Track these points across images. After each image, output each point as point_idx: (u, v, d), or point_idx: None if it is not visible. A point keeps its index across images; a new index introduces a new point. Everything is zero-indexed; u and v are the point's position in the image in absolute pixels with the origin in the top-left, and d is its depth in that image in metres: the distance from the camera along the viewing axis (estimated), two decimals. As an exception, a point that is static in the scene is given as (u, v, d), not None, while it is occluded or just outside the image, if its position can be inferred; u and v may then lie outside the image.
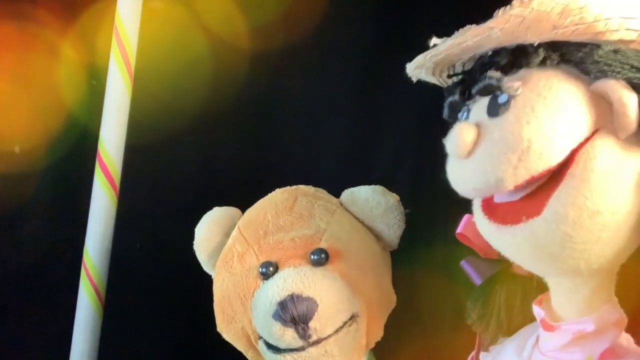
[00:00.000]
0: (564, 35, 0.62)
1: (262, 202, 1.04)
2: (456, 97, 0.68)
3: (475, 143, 0.62)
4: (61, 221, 1.40)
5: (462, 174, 0.65)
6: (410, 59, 0.72)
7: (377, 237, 1.01)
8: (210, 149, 1.42)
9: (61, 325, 1.29)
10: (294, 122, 1.39)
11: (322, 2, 1.29)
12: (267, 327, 0.90)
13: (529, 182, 0.61)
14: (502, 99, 0.62)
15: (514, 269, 0.79)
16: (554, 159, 0.60)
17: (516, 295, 0.76)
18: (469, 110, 0.67)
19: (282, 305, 0.88)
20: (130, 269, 1.35)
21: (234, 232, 1.01)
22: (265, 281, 0.93)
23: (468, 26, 0.64)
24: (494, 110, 0.62)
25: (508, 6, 0.60)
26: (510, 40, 0.64)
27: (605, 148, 0.60)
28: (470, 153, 0.63)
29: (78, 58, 1.38)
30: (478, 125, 0.63)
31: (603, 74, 0.61)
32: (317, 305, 0.88)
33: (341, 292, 0.91)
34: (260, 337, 0.94)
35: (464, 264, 0.83)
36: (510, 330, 0.76)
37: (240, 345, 0.99)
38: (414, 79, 0.73)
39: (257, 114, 1.38)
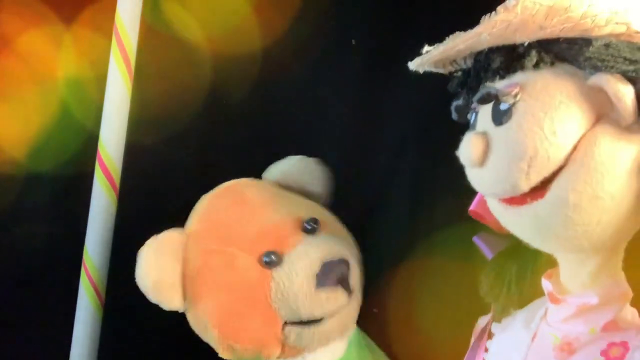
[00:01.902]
0: (553, 33, 0.63)
1: (203, 211, 1.01)
2: (461, 101, 0.71)
3: (486, 152, 0.65)
4: (61, 221, 1.40)
5: (480, 182, 0.69)
6: (411, 55, 0.73)
7: (313, 197, 1.05)
8: (210, 149, 1.42)
9: (61, 325, 1.29)
10: (294, 121, 1.38)
11: (323, 6, 1.29)
12: (309, 302, 0.92)
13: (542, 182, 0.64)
14: (503, 106, 0.65)
15: (526, 244, 0.80)
16: (562, 157, 0.62)
17: (527, 269, 0.78)
18: (476, 113, 0.70)
19: (324, 273, 0.91)
20: (130, 269, 1.35)
21: (194, 251, 0.97)
22: (278, 267, 0.93)
23: (457, 33, 0.66)
24: (498, 118, 0.65)
25: (493, 12, 0.62)
26: (501, 42, 0.65)
27: (606, 135, 0.62)
28: (482, 162, 0.66)
29: (78, 58, 1.38)
30: (486, 134, 0.66)
31: (597, 69, 0.62)
32: (350, 263, 0.94)
33: (350, 248, 0.98)
34: (287, 323, 0.94)
35: (476, 239, 0.85)
36: (521, 302, 0.78)
37: (249, 354, 0.98)
38: (421, 71, 0.75)
39: (257, 113, 1.38)
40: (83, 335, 1.26)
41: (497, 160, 0.65)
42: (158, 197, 1.39)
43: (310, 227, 0.97)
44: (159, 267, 0.96)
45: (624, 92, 0.61)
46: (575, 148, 0.62)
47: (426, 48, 0.69)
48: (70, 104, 1.38)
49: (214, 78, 1.36)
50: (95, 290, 1.27)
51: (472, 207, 0.81)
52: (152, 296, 0.97)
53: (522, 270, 0.78)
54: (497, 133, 0.65)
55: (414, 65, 0.73)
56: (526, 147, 0.62)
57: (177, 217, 1.17)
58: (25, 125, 1.36)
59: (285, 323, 0.95)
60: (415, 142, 1.25)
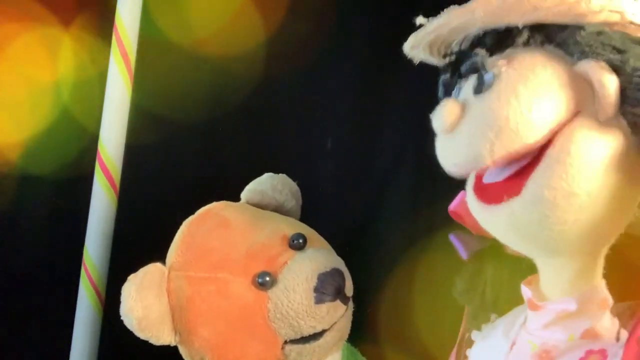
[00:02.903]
0: (546, 16, 0.62)
1: (185, 239, 0.99)
2: (448, 75, 0.70)
3: (459, 119, 0.64)
4: (61, 221, 1.40)
5: (445, 150, 0.67)
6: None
7: (289, 213, 1.05)
8: (210, 149, 1.42)
9: (61, 325, 1.29)
10: (294, 121, 1.39)
11: (323, 5, 1.29)
12: (310, 317, 0.91)
13: (508, 161, 0.62)
14: (487, 77, 0.64)
15: (504, 247, 0.79)
16: (530, 138, 0.61)
17: (503, 273, 0.77)
18: (460, 89, 0.68)
19: (322, 287, 0.90)
20: (130, 269, 1.35)
21: (180, 282, 0.95)
22: (274, 287, 0.92)
23: (452, 7, 0.65)
24: (479, 88, 0.64)
25: None
26: (494, 22, 0.65)
27: (583, 131, 0.61)
28: (453, 128, 0.64)
29: (78, 58, 1.38)
30: (464, 103, 0.65)
31: (585, 55, 0.62)
32: (344, 272, 0.93)
33: (341, 261, 0.96)
34: (287, 342, 0.93)
35: (452, 237, 0.83)
36: (496, 306, 0.77)
37: None
38: (416, 61, 0.74)
39: (257, 113, 1.38)
40: (83, 335, 1.26)
41: (467, 127, 0.63)
42: (158, 197, 1.39)
43: (298, 243, 0.96)
44: (143, 303, 0.93)
45: (609, 80, 0.60)
46: (551, 142, 0.61)
47: (420, 19, 0.68)
48: (71, 104, 1.38)
49: (214, 78, 1.36)
50: (95, 290, 1.27)
51: (451, 208, 0.80)
52: (140, 333, 0.95)
53: (499, 274, 0.77)
54: (475, 101, 0.64)
55: (408, 45, 0.72)
56: (498, 116, 0.61)
57: (177, 217, 1.17)
58: (25, 126, 1.36)
59: (285, 342, 0.94)
60: (415, 144, 1.26)
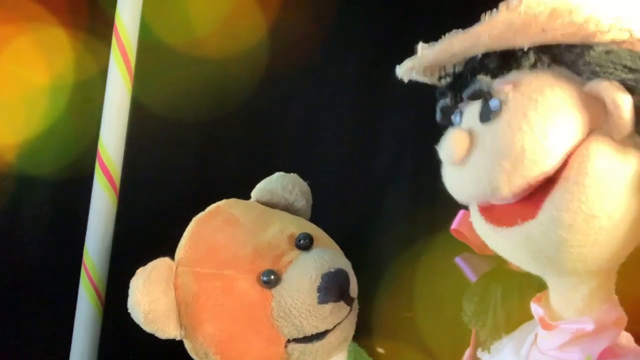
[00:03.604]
0: (554, 37, 0.61)
1: (193, 235, 1.00)
2: (447, 100, 0.67)
3: (469, 150, 0.62)
4: (61, 221, 1.40)
5: (457, 182, 0.65)
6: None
7: (299, 213, 1.05)
8: (210, 149, 1.42)
9: (61, 325, 1.29)
10: (294, 122, 1.39)
11: (324, 3, 1.29)
12: (313, 317, 0.91)
13: (526, 190, 0.60)
14: (493, 103, 0.61)
15: (510, 265, 0.78)
16: (549, 164, 0.59)
17: (513, 292, 0.76)
18: (461, 114, 0.66)
19: (326, 287, 0.90)
20: (130, 269, 1.35)
21: (187, 277, 0.95)
22: (278, 286, 0.92)
23: (455, 31, 0.63)
24: (486, 115, 0.62)
25: (495, 10, 0.59)
26: (499, 46, 0.63)
27: (600, 150, 0.59)
28: (464, 160, 0.62)
29: (78, 58, 1.38)
30: (471, 132, 0.62)
31: (595, 75, 0.60)
32: (348, 273, 0.93)
33: (344, 258, 0.96)
34: (290, 341, 0.93)
35: (458, 260, 0.83)
36: (508, 327, 0.76)
37: None
38: (405, 80, 0.72)
39: (257, 113, 1.38)
40: (83, 335, 1.26)
41: (480, 158, 0.61)
42: (158, 197, 1.40)
43: (304, 243, 0.97)
44: (150, 297, 0.93)
45: (622, 100, 0.58)
46: (566, 163, 0.59)
47: (421, 47, 0.65)
48: (71, 105, 1.38)
49: (214, 78, 1.36)
50: (95, 290, 1.27)
51: (454, 226, 0.79)
52: (146, 326, 0.95)
53: (508, 292, 0.75)
54: (484, 130, 0.61)
55: (403, 69, 0.69)
56: (513, 145, 0.58)
57: (177, 217, 1.17)
58: (25, 126, 1.36)
59: (288, 341, 0.94)
60: (414, 146, 1.26)
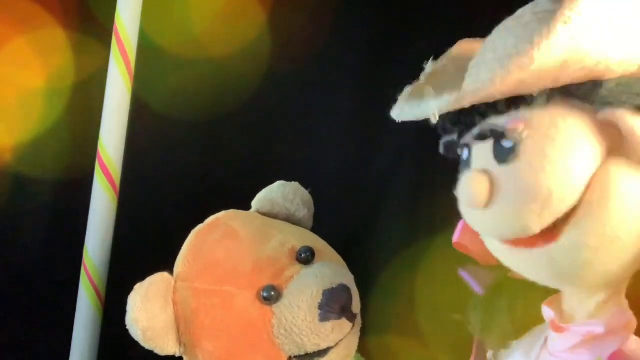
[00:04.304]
0: (565, 81, 0.60)
1: (192, 249, 0.98)
2: (453, 137, 0.67)
3: (491, 192, 0.62)
4: (61, 221, 1.40)
5: (484, 223, 0.65)
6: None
7: (300, 223, 1.03)
8: (210, 149, 1.42)
9: (61, 325, 1.29)
10: (293, 122, 1.39)
11: (322, 6, 1.29)
12: (315, 334, 0.90)
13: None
14: (507, 143, 0.61)
15: (514, 274, 0.78)
16: (575, 197, 0.59)
17: (518, 300, 0.75)
18: (469, 149, 0.66)
19: (327, 304, 0.89)
20: (130, 269, 1.35)
21: (186, 293, 0.94)
22: (279, 302, 0.91)
23: (466, 88, 0.60)
24: (502, 157, 0.61)
25: (505, 70, 0.57)
26: (509, 95, 0.61)
27: (621, 173, 0.59)
28: (488, 204, 0.62)
29: (78, 58, 1.37)
30: (488, 172, 0.62)
31: (608, 105, 0.60)
32: (351, 289, 0.92)
33: (347, 273, 0.95)
34: (292, 358, 0.92)
35: (462, 273, 0.82)
36: (516, 334, 0.75)
37: None
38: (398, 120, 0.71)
39: (256, 113, 1.38)
40: (83, 335, 1.26)
41: (506, 202, 0.61)
42: (158, 197, 1.40)
43: (306, 257, 0.95)
44: (148, 314, 0.92)
45: (638, 126, 0.58)
46: (588, 187, 0.59)
47: (427, 108, 0.63)
48: (70, 105, 1.38)
49: (215, 78, 1.35)
50: (95, 290, 1.27)
51: (455, 239, 0.78)
52: (144, 344, 0.93)
53: (514, 301, 0.75)
54: (503, 172, 0.61)
55: (402, 116, 0.68)
56: (539, 188, 0.59)
57: (177, 218, 1.17)
58: (25, 126, 1.36)
59: (290, 358, 0.92)
60: (414, 148, 1.25)
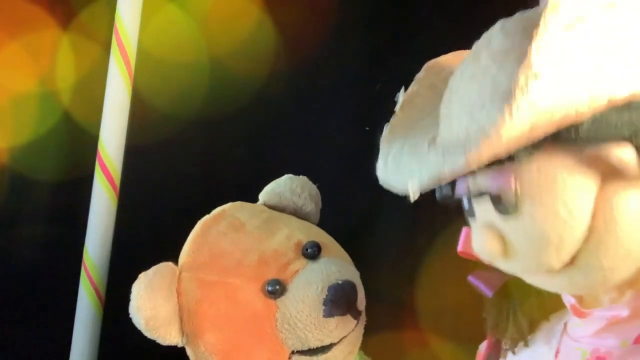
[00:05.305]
0: (540, 137, 0.59)
1: (198, 240, 0.98)
2: (447, 191, 0.68)
3: (504, 245, 0.64)
4: (61, 221, 1.40)
5: (510, 269, 0.67)
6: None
7: (307, 217, 1.03)
8: (210, 149, 1.42)
9: (61, 325, 1.29)
10: (294, 122, 1.38)
11: (323, 8, 1.29)
12: (318, 330, 0.89)
13: None
14: (504, 199, 0.62)
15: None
16: (584, 229, 0.61)
17: (531, 298, 0.76)
18: (469, 200, 0.67)
19: (332, 300, 0.88)
20: (130, 269, 1.35)
21: (190, 283, 0.94)
22: (283, 296, 0.91)
23: (442, 172, 0.62)
24: (503, 210, 0.63)
25: (477, 151, 0.58)
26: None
27: (618, 194, 0.60)
28: (506, 255, 0.64)
29: (78, 58, 1.38)
30: (495, 227, 0.64)
31: (591, 141, 0.60)
32: (356, 285, 0.91)
33: (352, 269, 0.95)
34: (294, 353, 0.92)
35: (472, 279, 0.82)
36: (532, 329, 0.76)
37: None
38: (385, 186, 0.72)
39: (257, 114, 1.38)
40: (83, 335, 1.26)
41: (523, 253, 0.63)
42: (158, 197, 1.39)
43: (312, 252, 0.94)
44: (152, 303, 0.91)
45: (626, 157, 0.59)
46: (593, 216, 0.60)
47: (410, 184, 0.66)
48: (71, 105, 1.38)
49: (214, 78, 1.35)
50: (95, 290, 1.27)
51: (460, 249, 0.79)
52: (147, 333, 0.93)
53: (525, 299, 0.76)
54: (509, 225, 0.63)
55: (386, 181, 0.71)
56: (549, 237, 0.61)
57: (177, 217, 1.17)
58: (25, 126, 1.36)
59: (292, 352, 0.92)
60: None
